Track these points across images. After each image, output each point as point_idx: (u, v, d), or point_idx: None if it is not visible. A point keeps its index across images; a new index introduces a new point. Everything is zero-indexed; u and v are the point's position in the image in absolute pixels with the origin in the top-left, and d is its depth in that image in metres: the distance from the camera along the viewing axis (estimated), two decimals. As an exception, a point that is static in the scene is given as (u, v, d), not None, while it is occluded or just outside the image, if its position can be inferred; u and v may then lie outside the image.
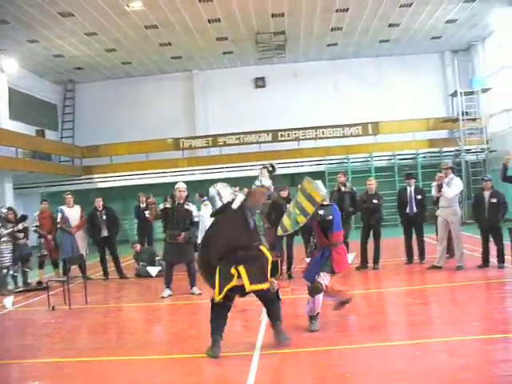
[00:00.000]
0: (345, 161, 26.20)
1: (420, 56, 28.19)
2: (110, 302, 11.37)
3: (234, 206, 7.07)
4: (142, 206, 15.77)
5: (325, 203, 7.70)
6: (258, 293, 6.87)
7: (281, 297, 7.14)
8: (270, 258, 6.95)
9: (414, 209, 12.92)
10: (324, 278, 7.58)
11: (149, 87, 28.89)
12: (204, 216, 14.81)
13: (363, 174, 23.54)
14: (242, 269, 6.63)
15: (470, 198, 19.57)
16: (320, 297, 7.56)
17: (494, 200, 11.65)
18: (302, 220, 7.59)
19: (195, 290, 11.03)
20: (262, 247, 7.01)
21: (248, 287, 6.64)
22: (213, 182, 23.89)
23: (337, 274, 7.80)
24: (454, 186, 11.87)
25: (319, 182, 7.88)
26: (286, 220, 7.89)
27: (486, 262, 11.80)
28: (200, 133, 28.31)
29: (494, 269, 11.54)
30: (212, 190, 7.38)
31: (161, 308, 10.36)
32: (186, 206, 11.01)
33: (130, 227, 25.56)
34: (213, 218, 7.31)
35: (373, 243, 12.84)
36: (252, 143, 27.09)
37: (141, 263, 14.39)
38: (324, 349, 6.81)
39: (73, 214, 14.02)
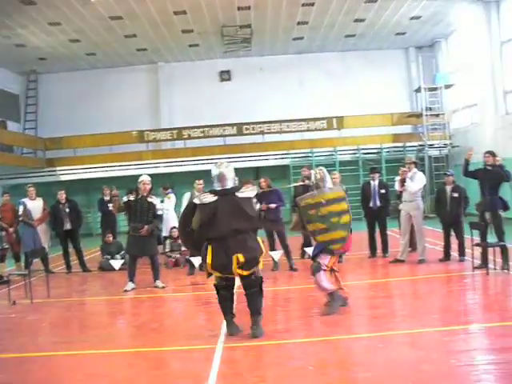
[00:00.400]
0: (309, 155, 26.29)
1: (385, 51, 28.41)
2: (73, 296, 11.25)
3: (242, 195, 7.13)
4: (106, 198, 15.64)
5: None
6: (244, 280, 7.06)
7: (264, 290, 7.23)
8: (264, 252, 7.13)
9: (378, 203, 13.06)
10: (323, 258, 7.86)
11: (113, 79, 28.57)
12: (168, 209, 14.83)
13: (327, 167, 23.35)
14: (241, 257, 6.83)
15: (432, 193, 19.84)
16: (322, 276, 7.82)
17: (456, 194, 11.83)
18: (347, 218, 7.94)
19: (159, 283, 11.00)
20: (259, 238, 7.17)
21: (238, 271, 6.92)
22: (177, 175, 23.96)
23: (336, 253, 8.04)
24: (417, 181, 12.02)
25: (328, 177, 8.33)
26: (326, 236, 7.88)
27: (447, 255, 12.00)
28: (165, 125, 28.12)
29: (455, 262, 11.74)
30: (215, 170, 7.26)
31: (124, 301, 10.31)
32: (149, 199, 10.95)
33: (94, 220, 25.36)
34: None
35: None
36: (217, 136, 27.00)
37: (105, 256, 14.29)
38: (287, 341, 6.84)
39: (35, 206, 13.82)
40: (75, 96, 28.20)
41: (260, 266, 7.11)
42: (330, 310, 7.80)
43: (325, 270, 7.90)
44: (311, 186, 12.76)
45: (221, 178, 7.18)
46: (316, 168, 8.45)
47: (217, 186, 7.20)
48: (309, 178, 13.33)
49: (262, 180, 12.46)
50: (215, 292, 7.24)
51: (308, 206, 7.95)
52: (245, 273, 6.95)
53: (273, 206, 11.88)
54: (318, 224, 7.84)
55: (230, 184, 7.20)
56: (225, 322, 7.26)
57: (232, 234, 6.95)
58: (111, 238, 14.59)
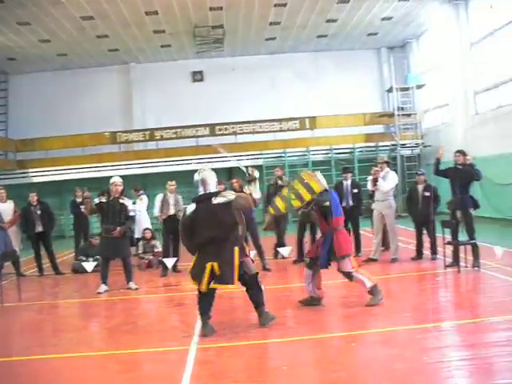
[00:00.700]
0: (282, 155, 26.35)
1: (357, 52, 28.58)
2: (45, 299, 11.14)
3: (216, 202, 7.29)
4: (78, 200, 15.51)
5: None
6: (238, 278, 7.28)
7: (263, 287, 7.50)
8: (237, 262, 7.19)
9: (350, 202, 13.13)
10: (345, 265, 8.17)
11: (85, 80, 28.30)
12: (140, 210, 14.76)
13: (300, 167, 23.74)
14: (216, 266, 7.08)
15: (404, 192, 19.99)
16: (359, 277, 8.22)
17: (427, 193, 11.96)
18: (297, 204, 8.04)
19: (132, 285, 10.95)
20: (235, 248, 7.23)
21: (212, 285, 7.17)
22: (149, 176, 23.83)
23: (347, 256, 8.20)
24: (389, 180, 12.13)
25: (319, 174, 8.31)
26: (278, 202, 8.18)
27: (419, 254, 12.12)
28: (137, 126, 27.95)
29: (427, 261, 11.88)
30: (196, 176, 7.56)
31: (97, 304, 10.22)
32: (121, 201, 10.88)
33: (66, 222, 25.11)
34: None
35: (310, 237, 12.96)
36: (189, 137, 26.92)
37: (79, 257, 14.17)
38: (261, 342, 6.86)
39: (5, 209, 13.62)
40: (47, 97, 27.90)
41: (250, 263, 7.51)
42: (372, 302, 8.16)
43: (356, 271, 8.22)
44: (285, 186, 12.87)
45: (203, 182, 7.46)
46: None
47: (200, 191, 7.47)
48: (281, 178, 13.41)
49: (234, 181, 12.47)
50: (197, 292, 7.31)
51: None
52: (216, 286, 7.21)
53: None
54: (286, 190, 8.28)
55: (211, 189, 7.44)
56: (199, 323, 7.24)
57: (209, 242, 7.16)
58: (97, 241, 14.28)
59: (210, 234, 7.17)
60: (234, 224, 7.32)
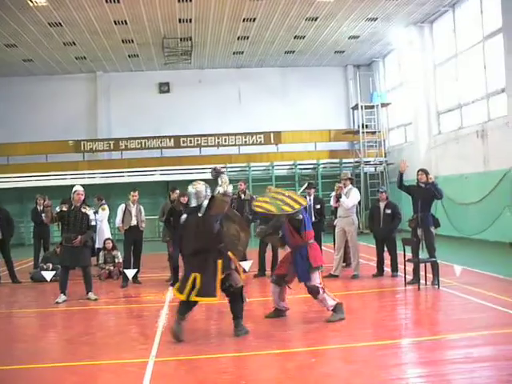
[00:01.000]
0: (246, 169, 26.40)
1: (324, 68, 28.88)
2: (1, 308, 10.91)
3: (200, 213, 7.49)
4: (40, 208, 15.29)
5: None
6: (224, 290, 7.50)
7: (246, 299, 7.79)
8: (220, 275, 7.35)
9: (313, 218, 13.15)
10: (314, 278, 8.16)
11: (51, 87, 28.01)
12: (101, 220, 14.64)
13: (264, 182, 23.82)
14: (198, 278, 7.25)
15: (367, 209, 20.16)
16: (323, 295, 8.19)
17: (389, 211, 12.08)
18: (287, 210, 8.06)
19: (91, 295, 10.81)
20: (219, 261, 7.36)
21: (192, 297, 7.30)
22: (113, 186, 23.68)
23: (319, 268, 8.30)
24: (351, 197, 12.23)
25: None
26: (267, 205, 8.26)
27: (380, 270, 12.20)
28: (102, 136, 27.79)
29: (387, 277, 11.97)
30: (191, 189, 7.71)
31: (55, 314, 10.05)
32: (83, 210, 10.75)
33: (27, 230, 24.75)
34: None
35: (271, 251, 12.97)
36: (154, 148, 26.87)
37: (40, 264, 13.92)
38: (220, 355, 6.80)
39: (-37, 215, 13.40)
40: (11, 102, 27.52)
41: (241, 276, 7.68)
42: (333, 318, 8.14)
43: (323, 288, 8.19)
44: (247, 200, 12.90)
45: (196, 195, 7.65)
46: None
47: (193, 204, 7.67)
48: (245, 192, 13.43)
49: None
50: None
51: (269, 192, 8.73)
52: (202, 300, 7.43)
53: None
54: (265, 198, 8.46)
55: (201, 202, 7.60)
56: (158, 335, 7.19)
57: (194, 254, 7.35)
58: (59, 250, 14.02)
59: (195, 246, 7.37)
60: (218, 236, 7.41)
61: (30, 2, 18.87)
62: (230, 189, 7.70)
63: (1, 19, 20.24)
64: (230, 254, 7.57)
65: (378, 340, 7.26)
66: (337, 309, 8.19)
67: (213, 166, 24.31)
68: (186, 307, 7.47)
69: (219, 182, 7.75)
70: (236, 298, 7.61)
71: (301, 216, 8.25)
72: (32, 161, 26.21)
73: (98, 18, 20.81)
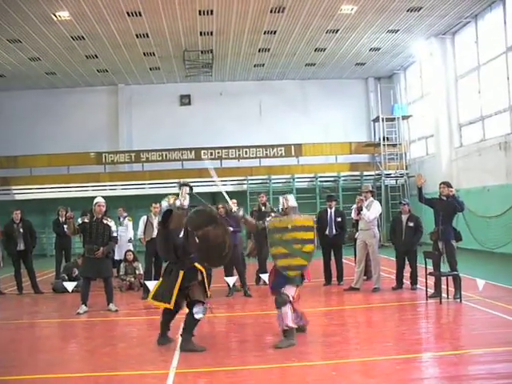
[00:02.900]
0: (267, 181, 26.40)
1: (345, 81, 28.88)
2: (23, 318, 10.99)
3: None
4: (62, 219, 15.39)
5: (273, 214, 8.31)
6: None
7: (199, 317, 7.57)
8: (178, 286, 7.55)
9: (334, 231, 13.12)
10: (288, 289, 7.79)
11: (73, 99, 28.32)
12: (123, 231, 14.71)
13: (285, 195, 23.73)
14: (159, 283, 7.86)
15: (388, 222, 20.06)
16: (288, 310, 7.69)
17: (411, 224, 11.99)
18: (311, 248, 7.83)
19: (112, 306, 10.84)
20: (180, 271, 7.58)
21: (149, 300, 7.90)
22: (134, 197, 23.72)
23: (300, 285, 8.00)
24: (373, 209, 12.16)
25: (292, 197, 8.60)
26: (285, 262, 7.77)
27: (400, 283, 12.11)
28: (123, 148, 28.00)
29: (407, 291, 11.87)
30: (164, 203, 8.11)
31: (76, 324, 10.11)
32: (104, 221, 10.82)
33: (48, 241, 24.94)
34: None
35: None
36: (175, 160, 26.99)
37: (61, 275, 14.01)
38: (240, 368, 6.79)
39: (-13, 226, 13.56)
40: (33, 115, 27.86)
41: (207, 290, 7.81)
42: (282, 344, 7.62)
43: (291, 302, 7.82)
44: (268, 212, 12.86)
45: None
46: (286, 195, 8.50)
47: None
48: (265, 204, 13.40)
49: (219, 206, 12.41)
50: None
51: (274, 229, 7.94)
52: (156, 304, 7.86)
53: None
54: (280, 248, 7.80)
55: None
56: (178, 347, 7.19)
57: (168, 263, 7.88)
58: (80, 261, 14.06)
59: (162, 256, 8.04)
60: (182, 248, 7.61)
61: (54, 17, 19.15)
62: (186, 202, 7.96)
63: (26, 34, 20.57)
64: (198, 266, 7.73)
65: (399, 354, 7.16)
66: (288, 334, 7.73)
67: (233, 178, 24.48)
68: (164, 316, 7.86)
69: (179, 196, 8.04)
70: (191, 311, 7.61)
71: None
72: (54, 172, 26.46)
73: (120, 32, 21.04)
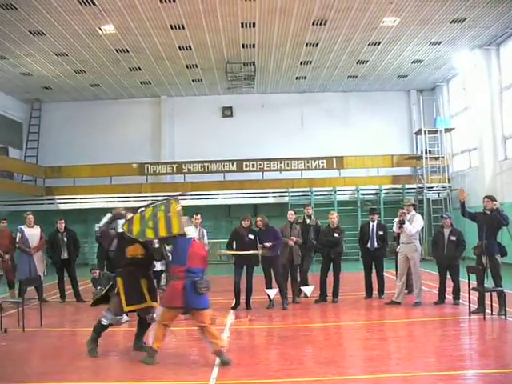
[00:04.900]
0: (308, 193, 26.34)
1: (386, 93, 28.73)
2: (66, 326, 11.16)
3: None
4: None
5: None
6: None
7: (103, 323, 8.28)
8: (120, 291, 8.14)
9: (375, 244, 13.02)
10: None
11: (116, 111, 28.79)
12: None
13: (326, 207, 23.65)
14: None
15: (430, 235, 19.81)
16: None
17: (454, 238, 11.82)
18: (150, 235, 7.84)
19: (154, 316, 10.87)
20: (118, 279, 8.17)
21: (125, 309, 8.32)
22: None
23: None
24: (415, 223, 12.04)
25: (186, 219, 8.28)
26: (137, 226, 7.94)
27: (441, 298, 11.93)
28: (165, 159, 28.26)
29: (449, 305, 11.69)
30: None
31: (117, 333, 10.17)
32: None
33: (90, 251, 25.27)
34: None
35: (332, 276, 12.86)
36: (216, 172, 27.10)
37: (98, 287, 14.16)
38: (281, 380, 6.77)
39: (32, 234, 13.78)
40: (77, 126, 28.40)
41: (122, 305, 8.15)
42: (146, 360, 7.68)
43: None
44: (312, 225, 12.80)
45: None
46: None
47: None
48: (310, 217, 13.34)
49: (258, 219, 12.41)
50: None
51: None
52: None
53: (267, 244, 11.84)
54: None
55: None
56: (217, 361, 7.20)
57: None
58: (97, 274, 14.23)
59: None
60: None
61: (99, 30, 19.52)
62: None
63: (72, 47, 21.03)
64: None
65: (441, 370, 7.02)
66: (152, 352, 7.70)
67: (275, 190, 24.50)
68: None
69: None
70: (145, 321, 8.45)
71: (156, 245, 8.01)
72: (97, 183, 26.83)
73: (163, 44, 21.31)
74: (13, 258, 13.75)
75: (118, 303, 8.09)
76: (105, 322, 8.18)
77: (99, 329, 8.23)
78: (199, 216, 13.24)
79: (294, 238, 12.45)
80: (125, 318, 8.72)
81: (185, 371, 7.15)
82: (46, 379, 6.96)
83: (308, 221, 13.29)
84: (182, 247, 7.75)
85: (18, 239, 13.59)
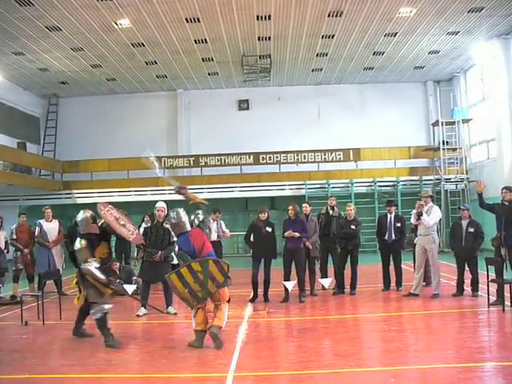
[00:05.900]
0: (325, 186, 26.28)
1: (403, 85, 28.57)
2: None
3: None
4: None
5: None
6: None
7: (96, 317, 8.46)
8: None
9: (393, 236, 12.95)
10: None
11: (132, 105, 28.90)
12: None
13: (343, 199, 23.54)
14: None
15: (448, 227, 19.69)
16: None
17: (472, 229, 11.72)
18: (213, 288, 8.13)
19: (171, 309, 10.95)
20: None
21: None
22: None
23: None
24: (433, 215, 11.96)
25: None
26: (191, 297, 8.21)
27: (460, 290, 11.86)
28: (182, 152, 28.32)
29: (468, 297, 11.59)
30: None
31: (135, 326, 10.26)
32: (165, 225, 10.95)
33: (108, 244, 25.36)
34: None
35: (350, 268, 12.84)
36: (233, 165, 27.10)
37: (117, 281, 14.21)
38: (299, 372, 6.76)
39: (51, 228, 13.87)
40: (94, 120, 28.55)
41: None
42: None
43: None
44: (335, 216, 12.74)
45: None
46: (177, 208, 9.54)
47: None
48: (333, 208, 13.29)
49: (290, 208, 12.30)
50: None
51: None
52: None
53: (296, 234, 11.81)
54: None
55: None
56: (237, 351, 7.21)
57: None
58: (117, 266, 14.22)
59: None
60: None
61: (115, 25, 19.60)
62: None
63: (88, 42, 21.13)
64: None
65: (460, 362, 6.96)
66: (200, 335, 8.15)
67: (291, 182, 24.49)
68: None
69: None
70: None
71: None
72: (113, 177, 26.96)
73: (178, 38, 21.33)
74: (32, 252, 13.87)
75: (99, 293, 8.55)
76: (98, 316, 8.42)
77: (101, 324, 8.42)
78: (217, 213, 13.35)
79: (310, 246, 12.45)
80: (107, 306, 8.71)
81: (204, 363, 7.17)
82: (69, 371, 7.02)
83: (331, 212, 13.23)
84: (184, 245, 8.54)
85: (36, 233, 13.68)
